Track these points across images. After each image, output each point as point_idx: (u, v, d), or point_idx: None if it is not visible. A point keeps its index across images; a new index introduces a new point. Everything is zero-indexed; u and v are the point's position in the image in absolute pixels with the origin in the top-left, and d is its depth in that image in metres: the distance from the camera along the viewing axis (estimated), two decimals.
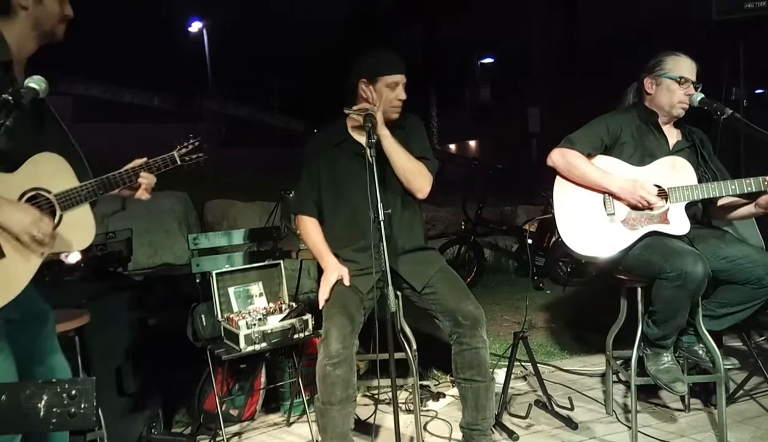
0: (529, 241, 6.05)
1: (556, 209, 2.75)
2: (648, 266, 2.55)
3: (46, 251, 1.82)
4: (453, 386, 3.27)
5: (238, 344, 2.64)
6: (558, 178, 2.76)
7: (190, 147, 2.10)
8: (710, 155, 2.80)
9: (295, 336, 2.75)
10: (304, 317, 2.78)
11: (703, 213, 2.84)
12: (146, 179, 2.02)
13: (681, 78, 2.69)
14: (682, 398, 2.97)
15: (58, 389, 1.12)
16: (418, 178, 2.57)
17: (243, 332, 2.64)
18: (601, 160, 2.73)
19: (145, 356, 2.90)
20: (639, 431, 2.70)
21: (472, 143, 26.86)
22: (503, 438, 2.77)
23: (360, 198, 2.30)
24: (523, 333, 3.05)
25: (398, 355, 2.42)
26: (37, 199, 1.85)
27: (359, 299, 2.49)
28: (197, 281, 2.96)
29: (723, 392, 2.59)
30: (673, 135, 2.80)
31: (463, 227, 6.18)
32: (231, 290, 2.89)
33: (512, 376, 3.09)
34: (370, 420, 2.93)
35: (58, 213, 1.87)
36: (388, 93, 2.52)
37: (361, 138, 2.57)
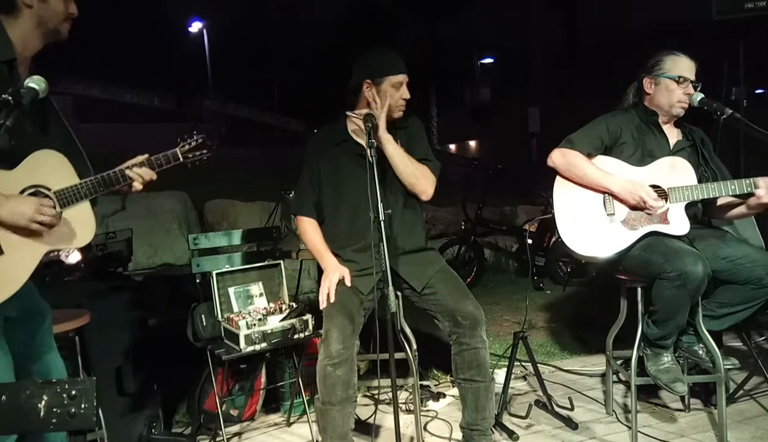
0: (529, 241, 6.05)
1: (556, 209, 2.75)
2: (648, 266, 2.55)
3: (48, 245, 1.83)
4: (453, 386, 3.28)
5: (238, 344, 2.64)
6: (558, 178, 2.76)
7: (194, 144, 2.09)
8: (710, 155, 2.80)
9: (295, 336, 2.75)
10: (304, 317, 2.78)
11: (703, 213, 2.84)
12: (142, 172, 2.00)
13: (680, 77, 2.69)
14: (682, 398, 2.97)
15: (58, 389, 1.12)
16: (421, 181, 2.58)
17: (243, 332, 2.64)
18: (602, 160, 2.73)
19: (145, 356, 2.90)
20: (639, 431, 2.70)
21: (472, 143, 26.86)
22: (503, 438, 2.77)
23: (360, 198, 2.30)
24: (523, 333, 3.05)
25: (398, 355, 2.43)
26: (36, 196, 1.85)
27: (359, 299, 2.49)
28: (197, 281, 2.96)
29: (723, 392, 2.59)
30: (673, 135, 2.80)
31: (463, 226, 6.18)
32: (231, 290, 2.89)
33: (512, 376, 3.09)
34: (371, 420, 2.92)
35: (57, 210, 1.87)
36: (393, 93, 2.53)
37: (362, 138, 2.57)
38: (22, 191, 1.83)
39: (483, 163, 6.59)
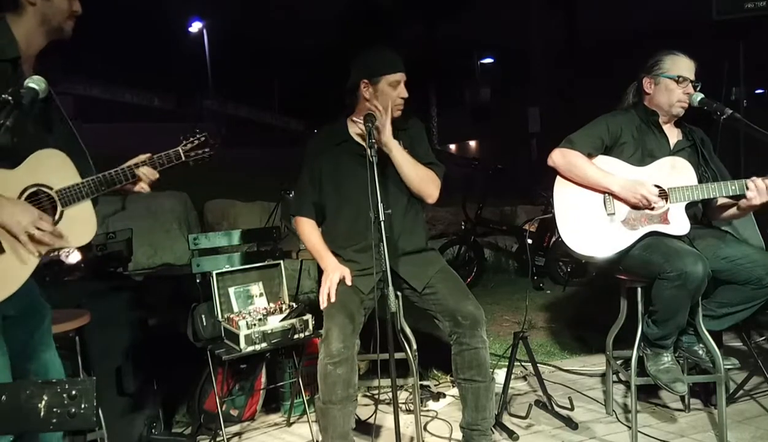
0: (529, 241, 6.05)
1: (556, 209, 2.75)
2: (648, 266, 2.55)
3: (43, 250, 1.82)
4: (453, 386, 3.28)
5: (238, 344, 2.64)
6: (558, 178, 2.76)
7: (196, 143, 2.09)
8: (710, 155, 2.80)
9: (296, 336, 2.75)
10: (305, 317, 2.78)
11: (703, 213, 2.84)
12: (147, 172, 2.01)
13: (679, 77, 2.69)
14: (682, 398, 2.97)
15: (59, 389, 1.12)
16: (429, 185, 2.60)
17: (243, 332, 2.64)
18: (602, 160, 2.73)
19: (145, 356, 2.90)
20: (639, 431, 2.70)
21: (472, 143, 26.88)
22: (503, 438, 2.77)
23: (361, 198, 2.30)
24: (523, 333, 3.05)
25: (398, 355, 2.42)
26: (38, 195, 1.86)
27: (360, 298, 2.49)
28: (197, 281, 2.96)
29: (723, 392, 2.59)
30: (673, 135, 2.80)
31: (463, 226, 6.18)
32: (231, 290, 2.89)
33: (512, 376, 3.09)
34: (371, 420, 2.92)
35: (59, 209, 1.88)
36: (390, 92, 2.52)
37: (363, 139, 2.57)
38: (24, 190, 1.84)
39: (483, 163, 6.59)
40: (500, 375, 3.01)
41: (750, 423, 2.80)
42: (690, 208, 2.65)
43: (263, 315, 2.74)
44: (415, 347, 2.64)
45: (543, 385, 3.05)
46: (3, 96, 1.65)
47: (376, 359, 2.27)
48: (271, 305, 2.91)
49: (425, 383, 3.38)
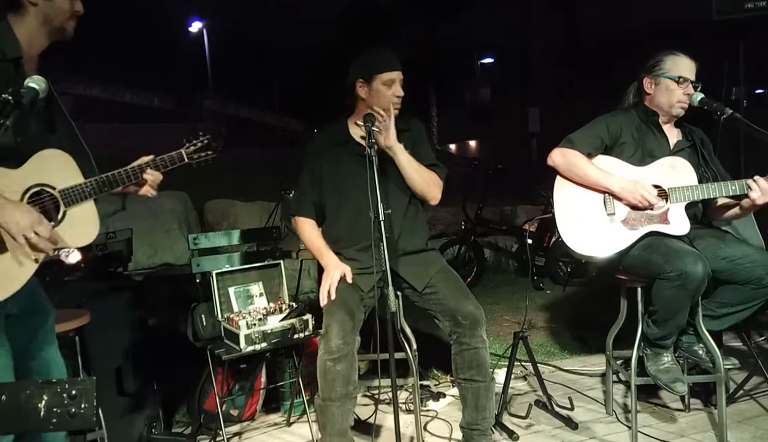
0: (529, 241, 6.05)
1: (556, 209, 2.75)
2: (648, 266, 2.55)
3: (40, 256, 1.82)
4: (453, 386, 3.28)
5: (238, 344, 2.64)
6: (558, 178, 2.76)
7: (199, 145, 2.10)
8: (710, 155, 2.80)
9: (295, 336, 2.75)
10: (304, 317, 2.78)
11: (703, 213, 2.84)
12: (152, 176, 2.02)
13: (680, 78, 2.69)
14: (682, 398, 2.97)
15: (59, 389, 1.12)
16: (432, 188, 2.61)
17: (243, 332, 2.64)
18: (602, 160, 2.73)
19: (145, 356, 2.90)
20: (639, 431, 2.70)
21: (472, 143, 26.88)
22: (503, 438, 2.77)
23: (362, 198, 2.30)
24: (523, 333, 3.05)
25: (398, 355, 2.43)
26: (41, 195, 1.87)
27: (360, 296, 2.49)
28: (197, 281, 2.96)
29: (723, 392, 2.59)
30: (673, 135, 2.80)
31: (463, 227, 6.18)
32: (231, 290, 2.89)
33: (512, 376, 3.09)
34: (371, 420, 2.92)
35: (62, 209, 1.88)
36: (385, 91, 2.51)
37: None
38: (27, 190, 1.84)
39: (483, 163, 6.59)
40: (500, 375, 3.01)
41: (750, 423, 2.80)
42: (690, 208, 2.65)
43: (263, 315, 2.74)
44: (415, 347, 2.64)
45: (543, 385, 3.05)
46: (3, 96, 1.66)
47: (376, 359, 2.27)
48: (271, 304, 2.91)
49: (425, 383, 3.38)
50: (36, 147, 1.87)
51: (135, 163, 2.02)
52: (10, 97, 1.66)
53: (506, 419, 2.90)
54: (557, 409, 2.98)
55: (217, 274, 2.84)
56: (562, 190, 2.75)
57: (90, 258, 2.97)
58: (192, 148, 2.09)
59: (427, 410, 3.12)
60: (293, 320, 2.75)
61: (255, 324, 2.68)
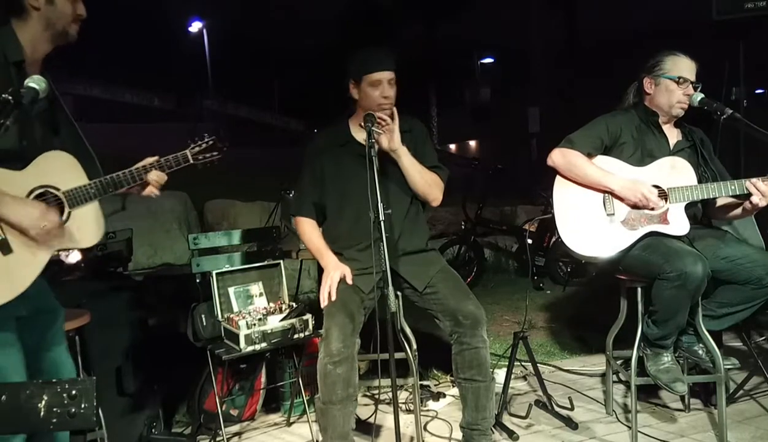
0: (529, 241, 6.04)
1: (556, 209, 2.75)
2: (648, 266, 2.55)
3: (56, 244, 1.84)
4: (453, 386, 3.28)
5: (238, 344, 2.64)
6: (558, 178, 2.76)
7: (204, 146, 2.10)
8: (710, 155, 2.80)
9: (295, 336, 2.75)
10: (304, 317, 2.78)
11: (702, 214, 2.84)
12: (156, 177, 2.03)
13: (680, 78, 2.69)
14: (682, 398, 2.97)
15: (59, 389, 1.12)
16: (434, 189, 2.61)
17: (243, 332, 2.64)
18: (601, 160, 2.73)
19: (145, 356, 2.90)
20: (639, 431, 2.70)
21: (472, 143, 26.88)
22: (503, 438, 2.77)
23: (363, 199, 2.30)
24: (523, 333, 3.05)
25: (398, 355, 2.43)
26: (45, 197, 1.88)
27: (360, 298, 2.49)
28: (197, 281, 2.96)
29: (723, 392, 2.59)
30: (673, 135, 2.80)
31: (463, 227, 6.18)
32: (231, 290, 2.89)
33: (512, 376, 3.09)
34: (371, 420, 2.92)
35: (66, 210, 1.89)
36: (371, 92, 2.49)
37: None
38: (31, 191, 1.85)
39: (483, 163, 6.59)
40: (500, 375, 3.01)
41: (750, 423, 2.80)
42: (690, 208, 2.65)
43: (263, 315, 2.74)
44: (415, 347, 2.64)
45: (543, 385, 3.05)
46: (3, 96, 1.66)
47: (376, 359, 2.27)
48: (271, 304, 2.91)
49: (425, 383, 3.38)
50: (41, 149, 1.88)
51: (140, 164, 2.03)
52: (10, 97, 1.67)
53: (506, 419, 2.90)
54: (557, 409, 2.98)
55: (217, 274, 2.84)
56: (561, 190, 2.75)
57: (90, 258, 2.97)
58: (197, 149, 2.09)
59: (427, 410, 3.12)
60: (293, 320, 2.75)
61: (255, 324, 2.68)
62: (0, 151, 1.78)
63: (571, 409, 3.00)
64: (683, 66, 2.71)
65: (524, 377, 3.50)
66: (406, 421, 2.94)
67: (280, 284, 3.00)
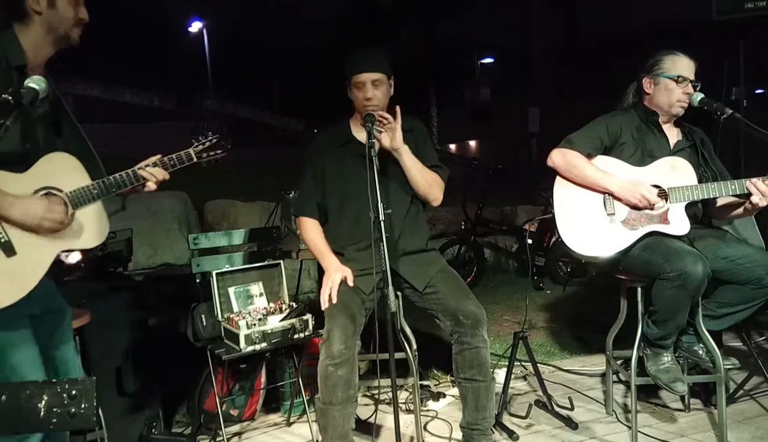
0: (529, 241, 6.04)
1: (556, 209, 2.75)
2: (648, 266, 2.55)
3: (60, 244, 1.87)
4: (453, 386, 3.28)
5: (238, 344, 2.64)
6: (558, 178, 2.76)
7: (207, 144, 2.11)
8: (711, 155, 2.80)
9: (295, 336, 2.75)
10: (304, 317, 2.78)
11: (703, 213, 2.84)
12: (157, 173, 2.02)
13: (679, 77, 2.69)
14: (682, 398, 2.97)
15: (58, 389, 1.12)
16: (434, 188, 2.62)
17: (243, 332, 2.64)
18: (601, 160, 2.73)
19: (145, 356, 2.90)
20: (639, 431, 2.70)
21: (472, 143, 26.87)
22: (503, 438, 2.77)
23: (365, 198, 2.30)
24: (523, 333, 3.05)
25: (398, 355, 2.43)
26: (48, 198, 1.87)
27: (361, 299, 2.49)
28: (197, 281, 2.96)
29: (723, 392, 2.59)
30: (673, 134, 2.80)
31: (463, 227, 6.18)
32: (231, 290, 2.89)
33: (512, 376, 3.09)
34: (371, 420, 2.93)
35: (69, 211, 1.90)
36: (356, 93, 2.52)
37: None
38: (35, 193, 1.86)
39: (483, 163, 6.59)
40: (500, 375, 3.01)
41: (750, 423, 2.80)
42: (690, 208, 2.65)
43: (263, 315, 2.74)
44: (415, 347, 2.64)
45: (543, 385, 3.05)
46: (3, 96, 1.67)
47: (376, 359, 2.27)
48: (271, 304, 2.91)
49: (425, 383, 3.38)
50: (43, 151, 1.89)
51: (143, 164, 2.03)
52: (10, 98, 1.67)
53: (506, 419, 2.90)
54: (557, 409, 2.98)
55: (217, 274, 2.84)
56: (562, 190, 2.75)
57: (90, 258, 2.96)
58: (200, 147, 2.10)
59: (427, 410, 3.12)
60: (293, 320, 2.75)
61: (255, 324, 2.68)
62: (3, 154, 1.79)
63: (571, 409, 3.00)
64: (682, 65, 2.71)
65: (524, 377, 3.50)
66: (406, 421, 2.94)
67: (280, 284, 3.00)
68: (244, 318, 2.69)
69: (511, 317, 4.76)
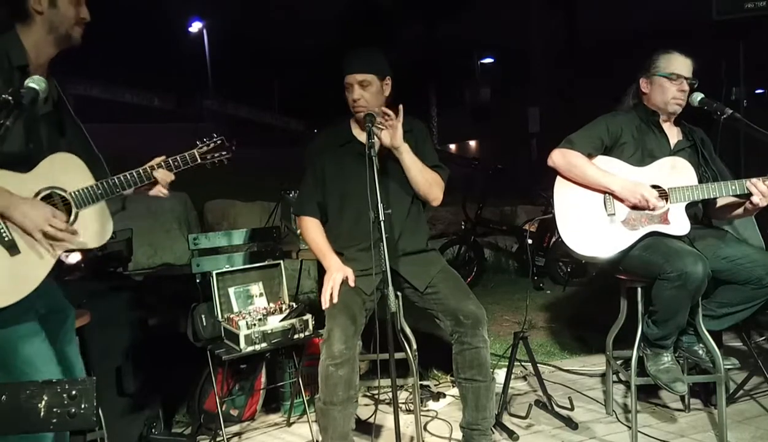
0: (529, 241, 6.04)
1: (556, 209, 2.75)
2: (648, 266, 2.55)
3: (58, 249, 1.86)
4: (453, 386, 3.28)
5: (238, 344, 2.64)
6: (558, 178, 2.76)
7: (212, 145, 2.12)
8: (711, 155, 2.80)
9: (295, 336, 2.75)
10: (304, 317, 2.78)
11: (703, 213, 2.84)
12: (163, 175, 2.03)
13: (672, 74, 2.69)
14: (682, 398, 2.97)
15: (58, 389, 1.12)
16: (434, 188, 2.61)
17: (243, 332, 2.64)
18: (602, 160, 2.73)
19: (145, 356, 2.90)
20: (639, 431, 2.70)
21: (472, 143, 26.87)
22: (503, 438, 2.77)
23: (364, 198, 2.30)
24: (523, 333, 3.05)
25: (398, 355, 2.43)
26: (52, 198, 1.89)
27: (362, 299, 2.49)
28: (197, 281, 2.96)
29: (723, 392, 2.59)
30: (673, 134, 2.80)
31: (463, 227, 6.18)
32: (231, 290, 2.89)
33: (512, 376, 3.09)
34: (371, 420, 2.92)
35: (73, 211, 1.90)
36: (347, 93, 2.53)
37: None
38: (38, 193, 1.87)
39: (483, 163, 6.59)
40: (500, 375, 3.01)
41: (750, 423, 2.80)
42: (690, 208, 2.65)
43: (263, 315, 2.74)
44: (415, 347, 2.64)
45: (543, 385, 3.05)
46: (3, 96, 1.67)
47: (376, 359, 2.27)
48: (271, 305, 2.91)
49: (425, 383, 3.38)
50: (47, 151, 1.90)
51: (147, 165, 2.04)
52: (10, 97, 1.68)
53: (506, 419, 2.90)
54: (557, 409, 2.98)
55: (217, 274, 2.84)
56: (562, 190, 2.75)
57: (90, 258, 2.96)
58: (205, 148, 2.11)
59: (427, 410, 3.12)
60: (293, 320, 2.75)
61: (255, 324, 2.68)
62: (7, 155, 1.79)
63: (571, 409, 3.00)
64: (676, 63, 2.71)
65: (524, 377, 3.50)
66: (406, 421, 2.94)
67: (280, 284, 3.00)
68: (244, 318, 2.69)
69: (511, 317, 4.76)
